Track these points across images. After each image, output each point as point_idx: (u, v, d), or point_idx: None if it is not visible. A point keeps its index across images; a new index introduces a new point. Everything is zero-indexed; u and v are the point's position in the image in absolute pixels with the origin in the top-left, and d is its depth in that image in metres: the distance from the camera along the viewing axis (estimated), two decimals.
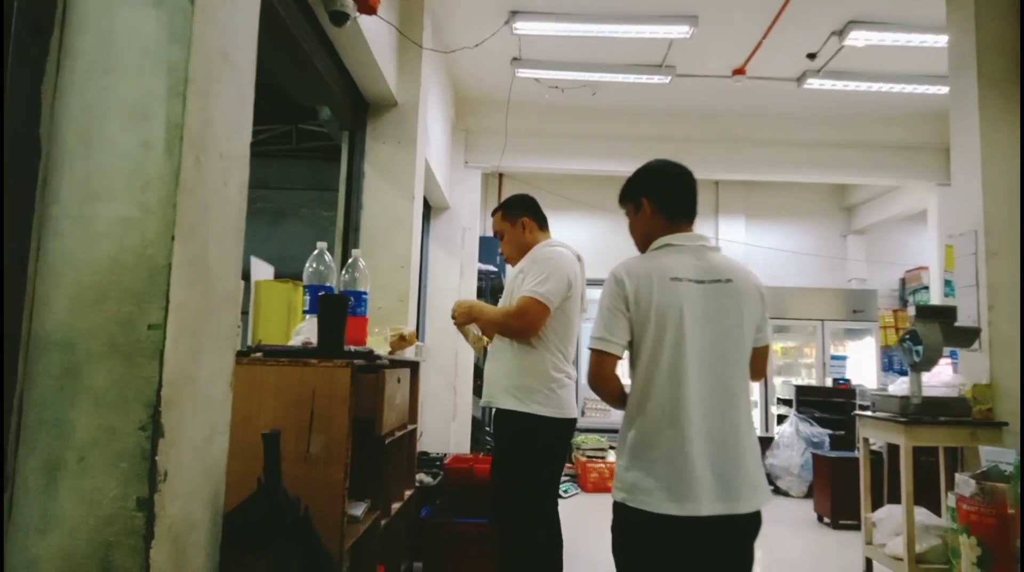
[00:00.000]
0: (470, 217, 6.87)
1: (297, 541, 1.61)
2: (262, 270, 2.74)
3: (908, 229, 8.89)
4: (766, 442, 6.72)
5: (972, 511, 2.83)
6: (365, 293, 2.69)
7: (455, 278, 6.56)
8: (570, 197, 8.57)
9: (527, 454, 2.60)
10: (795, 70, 5.84)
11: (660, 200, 1.89)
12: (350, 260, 2.72)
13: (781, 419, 7.16)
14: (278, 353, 2.12)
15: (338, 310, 2.17)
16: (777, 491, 6.42)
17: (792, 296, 8.37)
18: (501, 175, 8.41)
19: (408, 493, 3.07)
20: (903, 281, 8.97)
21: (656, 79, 5.98)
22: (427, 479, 3.74)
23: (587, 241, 8.62)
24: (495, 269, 6.78)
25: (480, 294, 6.62)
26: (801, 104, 6.61)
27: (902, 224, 8.74)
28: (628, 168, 6.71)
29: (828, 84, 5.81)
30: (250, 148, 1.69)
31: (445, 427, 6.28)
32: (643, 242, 1.93)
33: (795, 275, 8.87)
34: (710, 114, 7.01)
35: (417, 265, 4.43)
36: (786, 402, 6.86)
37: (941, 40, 4.77)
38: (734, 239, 9.01)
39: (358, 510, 2.26)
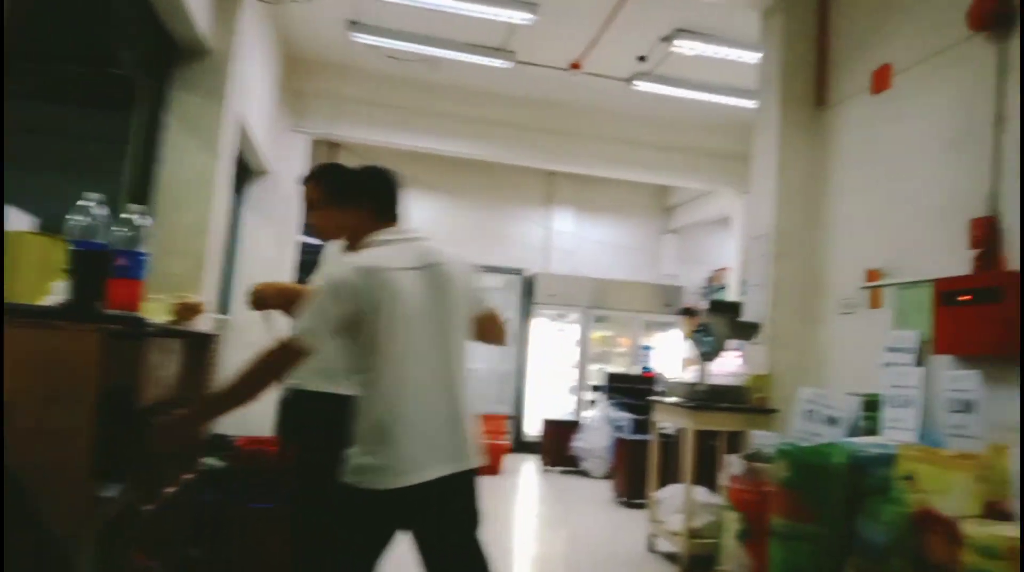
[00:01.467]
0: (293, 185, 6.50)
1: (16, 524, 1.38)
2: (20, 223, 2.38)
3: (717, 232, 9.67)
4: (577, 426, 7.03)
5: (738, 488, 3.10)
6: (143, 254, 2.40)
7: (271, 249, 6.18)
8: (408, 174, 8.40)
9: (335, 439, 2.46)
10: (627, 71, 6.09)
11: (378, 202, 2.03)
12: (127, 215, 2.42)
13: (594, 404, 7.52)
14: (18, 312, 1.81)
15: (94, 267, 1.90)
16: (582, 472, 6.76)
17: (613, 288, 8.82)
18: (336, 145, 8.05)
19: (188, 476, 2.81)
20: (709, 280, 9.76)
21: (497, 63, 5.98)
22: (216, 462, 3.47)
23: (425, 222, 8.53)
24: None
25: (303, 269, 6.29)
26: (632, 104, 6.92)
27: (712, 227, 9.49)
28: (468, 150, 6.68)
29: (655, 88, 6.13)
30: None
31: (251, 408, 5.91)
32: (351, 237, 2.05)
33: (617, 268, 9.34)
34: (548, 105, 7.15)
35: (223, 230, 4.09)
36: (599, 388, 7.21)
37: (755, 57, 5.17)
38: (564, 230, 9.32)
39: (109, 492, 2.00)
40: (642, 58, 5.77)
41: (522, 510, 5.82)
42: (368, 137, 6.97)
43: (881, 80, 3.86)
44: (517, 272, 8.60)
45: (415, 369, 1.82)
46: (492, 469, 6.61)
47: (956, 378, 2.88)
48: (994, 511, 2.46)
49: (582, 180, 9.17)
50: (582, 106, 7.16)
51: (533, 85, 6.67)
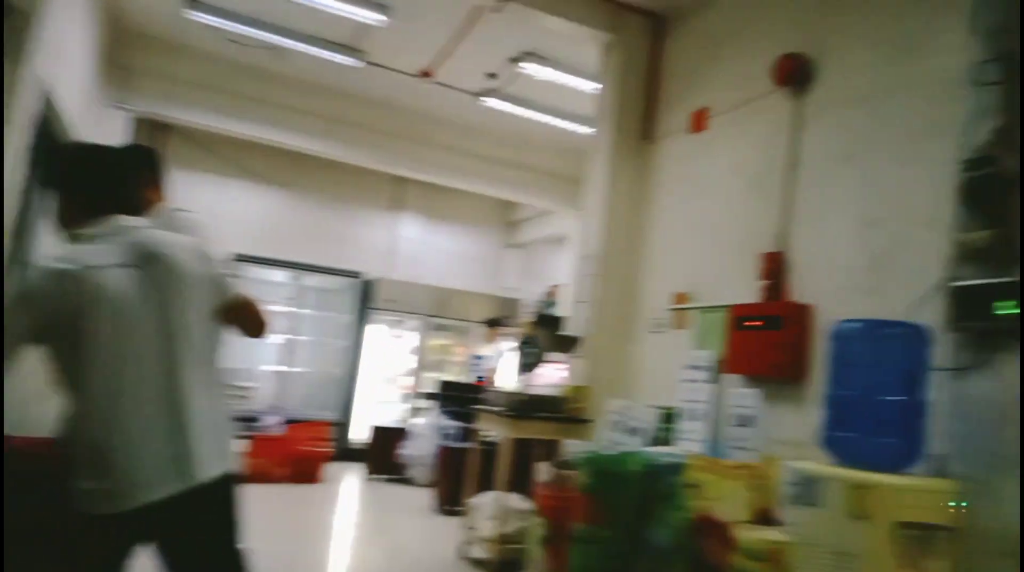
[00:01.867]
0: None
1: None
2: None
3: (556, 250, 10.03)
4: (405, 433, 6.97)
5: (545, 495, 3.21)
6: None
7: None
8: (245, 166, 7.97)
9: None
10: (477, 85, 6.19)
11: (91, 188, 1.77)
12: None
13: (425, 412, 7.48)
14: None
15: None
16: (407, 480, 6.71)
17: (454, 297, 8.87)
18: (167, 127, 7.44)
19: None
20: (547, 294, 10.10)
21: (346, 60, 5.84)
22: None
23: (258, 216, 8.12)
24: None
25: None
26: (481, 119, 7.04)
27: (551, 244, 9.85)
28: (313, 146, 6.39)
29: (502, 105, 6.27)
30: None
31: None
32: (69, 227, 1.78)
33: (460, 278, 9.41)
34: (399, 109, 7.09)
35: (14, 201, 3.63)
36: (431, 396, 7.20)
37: (595, 87, 5.45)
38: (411, 236, 9.26)
39: None
40: (492, 75, 5.90)
41: (339, 520, 5.66)
42: (202, 122, 6.53)
43: (699, 121, 4.21)
44: (355, 275, 8.40)
45: (130, 380, 1.62)
46: (311, 478, 6.39)
47: (739, 395, 3.18)
48: (763, 517, 2.73)
49: (431, 188, 9.16)
50: (432, 115, 7.17)
51: (384, 88, 6.59)
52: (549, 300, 9.60)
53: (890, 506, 1.90)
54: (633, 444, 3.48)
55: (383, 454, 6.91)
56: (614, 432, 3.55)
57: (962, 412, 2.17)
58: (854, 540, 1.91)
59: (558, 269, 9.90)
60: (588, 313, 4.46)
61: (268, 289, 7.91)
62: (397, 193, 9.15)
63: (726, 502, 2.75)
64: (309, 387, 8.19)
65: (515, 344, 4.37)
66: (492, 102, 6.26)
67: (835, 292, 3.09)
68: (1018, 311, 2.01)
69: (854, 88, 3.19)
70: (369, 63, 5.89)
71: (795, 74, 3.47)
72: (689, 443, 3.36)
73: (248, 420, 6.78)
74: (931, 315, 2.35)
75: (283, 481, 6.21)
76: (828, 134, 3.30)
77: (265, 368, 7.95)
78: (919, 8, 2.91)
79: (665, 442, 3.55)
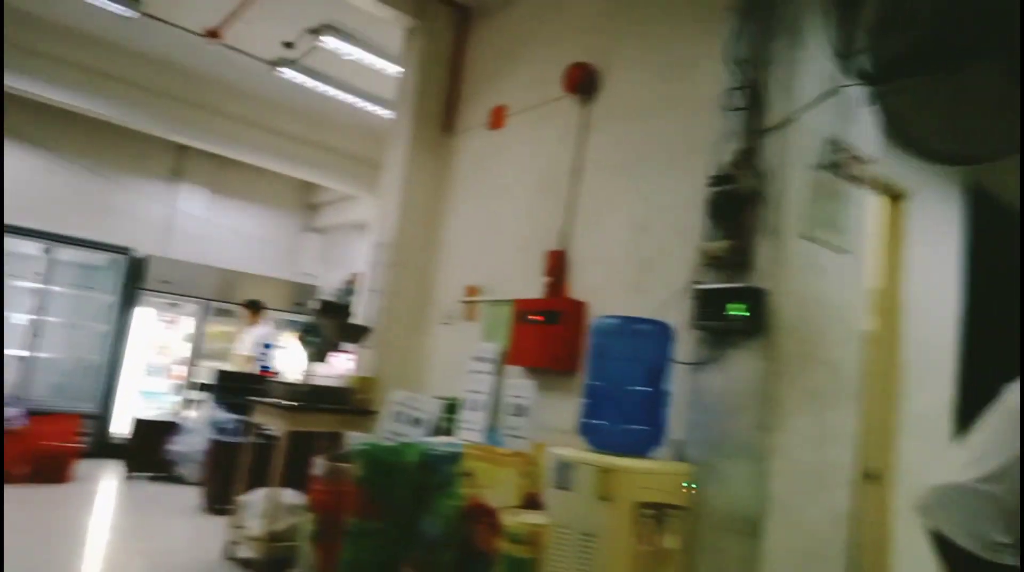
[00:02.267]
0: None
1: None
2: None
3: (358, 236, 9.80)
4: (174, 428, 6.39)
5: (318, 489, 3.09)
6: None
7: None
8: None
9: None
10: (272, 53, 5.82)
11: None
12: None
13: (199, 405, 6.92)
14: None
15: None
16: (176, 478, 6.17)
17: (242, 281, 8.29)
18: None
19: None
20: (347, 282, 9.82)
21: (120, 9, 5.19)
22: None
23: (11, 179, 6.96)
24: None
25: None
26: (277, 91, 6.64)
27: (354, 231, 9.60)
28: (78, 103, 5.61)
29: (300, 78, 5.96)
30: None
31: None
32: None
33: (252, 261, 8.83)
34: (182, 71, 6.47)
35: None
36: (206, 387, 6.66)
37: (397, 71, 5.36)
38: (193, 212, 8.50)
39: None
40: (288, 44, 5.58)
41: (92, 523, 5.04)
42: None
43: (497, 118, 4.30)
44: (123, 251, 7.50)
45: None
46: (58, 477, 5.64)
47: (515, 386, 3.30)
48: (532, 502, 2.85)
49: (219, 161, 8.48)
50: (221, 81, 6.63)
51: (164, 45, 5.97)
52: (348, 288, 9.35)
53: (631, 488, 2.07)
54: (415, 435, 3.48)
55: (146, 450, 6.28)
56: (396, 423, 3.52)
57: (698, 402, 2.42)
58: (599, 520, 2.06)
59: (359, 256, 9.68)
60: (380, 303, 4.38)
61: (14, 262, 6.83)
62: (178, 163, 8.35)
63: (498, 489, 2.84)
64: (60, 375, 7.20)
65: (297, 333, 4.17)
66: (288, 73, 5.92)
67: (608, 290, 3.31)
68: (745, 313, 2.28)
69: (630, 103, 3.43)
70: (145, 14, 5.29)
71: (583, 83, 3.65)
72: (469, 433, 3.42)
73: None
74: (679, 314, 2.60)
75: (24, 481, 5.42)
76: (608, 143, 3.52)
77: (6, 353, 6.86)
78: (687, 34, 3.19)
79: (448, 432, 3.59)
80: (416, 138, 4.57)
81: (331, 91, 6.19)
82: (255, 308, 7.26)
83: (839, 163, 2.55)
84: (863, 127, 2.67)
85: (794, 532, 2.28)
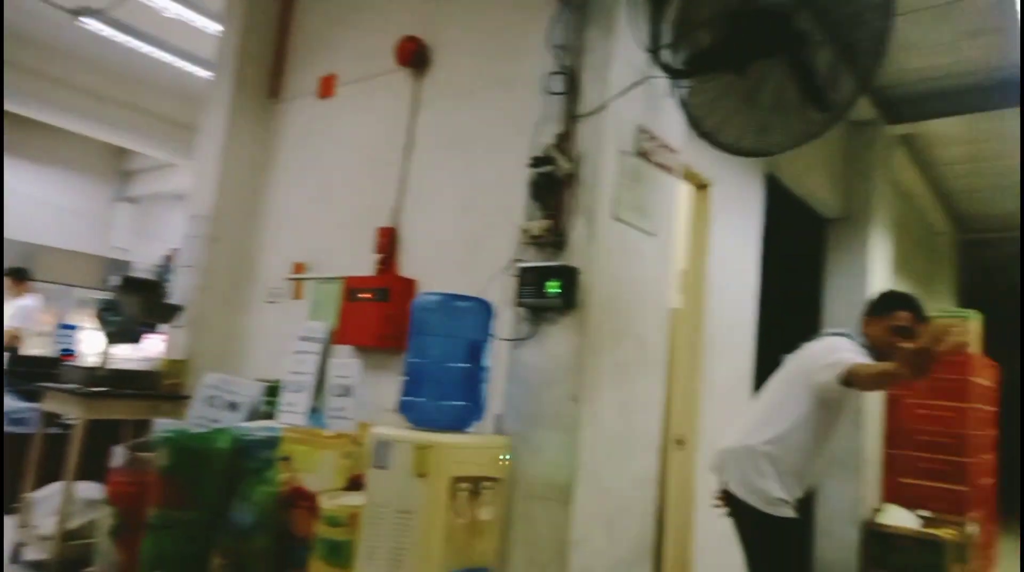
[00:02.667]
0: None
1: None
2: None
3: (179, 207, 9.08)
4: None
5: (118, 481, 2.85)
6: None
7: None
8: None
9: None
10: (73, 1, 5.18)
11: None
12: None
13: None
14: None
15: None
16: None
17: (41, 254, 7.42)
18: None
19: None
20: (167, 258, 9.08)
21: None
22: None
23: None
24: None
25: None
26: (81, 44, 5.93)
27: (174, 202, 8.88)
28: None
29: (106, 31, 5.37)
30: None
31: None
32: None
33: (56, 232, 7.91)
34: None
35: None
36: None
37: (210, 27, 4.97)
38: None
39: None
40: None
41: None
42: None
43: (327, 87, 4.12)
44: None
45: None
46: None
47: (340, 365, 3.22)
48: (356, 484, 2.80)
49: (13, 119, 7.47)
50: (13, 30, 5.81)
51: None
52: (167, 265, 8.66)
53: (447, 463, 2.10)
54: (232, 420, 3.29)
55: None
56: (210, 408, 3.31)
57: (516, 377, 2.49)
58: (415, 497, 2.06)
59: (180, 229, 8.98)
60: (195, 279, 4.08)
61: None
62: None
63: (319, 472, 2.76)
64: None
65: (95, 311, 3.79)
66: (93, 24, 5.30)
67: (437, 268, 3.31)
68: (560, 290, 2.37)
69: (460, 81, 3.42)
70: None
71: (414, 57, 3.58)
72: (290, 415, 3.29)
73: None
74: (504, 292, 2.65)
75: None
76: (438, 120, 3.50)
77: None
78: (514, 16, 3.22)
79: (268, 416, 3.44)
80: (238, 103, 4.27)
81: (144, 47, 5.63)
82: (19, 277, 6.50)
83: (648, 151, 2.71)
84: (671, 118, 2.86)
85: (602, 497, 2.42)
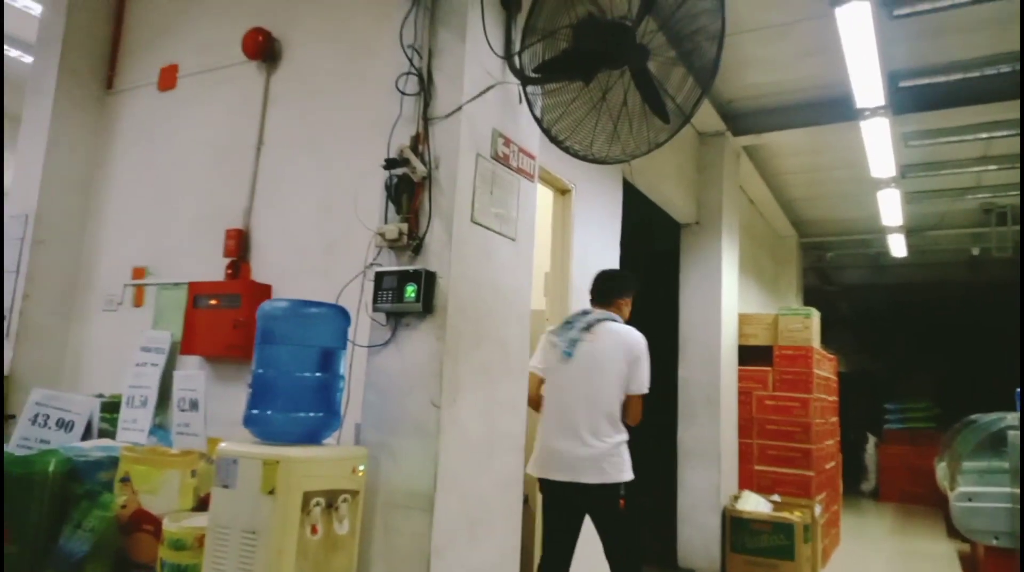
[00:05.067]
0: None
1: None
2: None
3: None
4: None
5: None
6: None
7: None
8: None
9: None
10: None
11: None
12: None
13: None
14: None
15: None
16: None
17: None
18: None
19: None
20: None
21: None
22: None
23: None
24: None
25: None
26: None
27: None
28: None
29: None
30: None
31: None
32: None
33: None
34: None
35: None
36: None
37: (33, 8, 4.50)
38: None
39: None
40: None
41: None
42: None
43: (168, 78, 3.85)
44: None
45: None
46: None
47: (185, 377, 3.01)
48: (205, 504, 2.62)
49: None
50: None
51: None
52: None
53: (298, 477, 2.01)
54: (63, 440, 2.99)
55: None
56: (36, 427, 2.99)
57: (375, 384, 2.44)
58: (263, 516, 1.96)
59: None
60: (19, 286, 3.67)
61: None
62: None
63: (163, 494, 2.58)
64: None
65: None
66: None
67: (293, 273, 3.18)
68: (418, 295, 2.34)
69: (314, 77, 3.31)
70: None
71: (263, 50, 3.43)
72: (131, 432, 3.05)
73: None
74: (362, 297, 2.58)
75: None
76: (291, 118, 3.36)
77: None
78: (370, 11, 3.15)
79: (108, 434, 3.16)
80: (65, 92, 3.89)
81: None
82: None
83: (505, 155, 2.73)
84: (529, 123, 2.90)
85: (464, 501, 2.41)
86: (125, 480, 2.58)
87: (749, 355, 5.99)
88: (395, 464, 2.36)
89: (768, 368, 5.88)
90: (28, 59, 5.32)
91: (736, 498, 5.46)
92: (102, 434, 3.18)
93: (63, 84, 3.87)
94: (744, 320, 6.12)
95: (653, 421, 5.55)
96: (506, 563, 2.64)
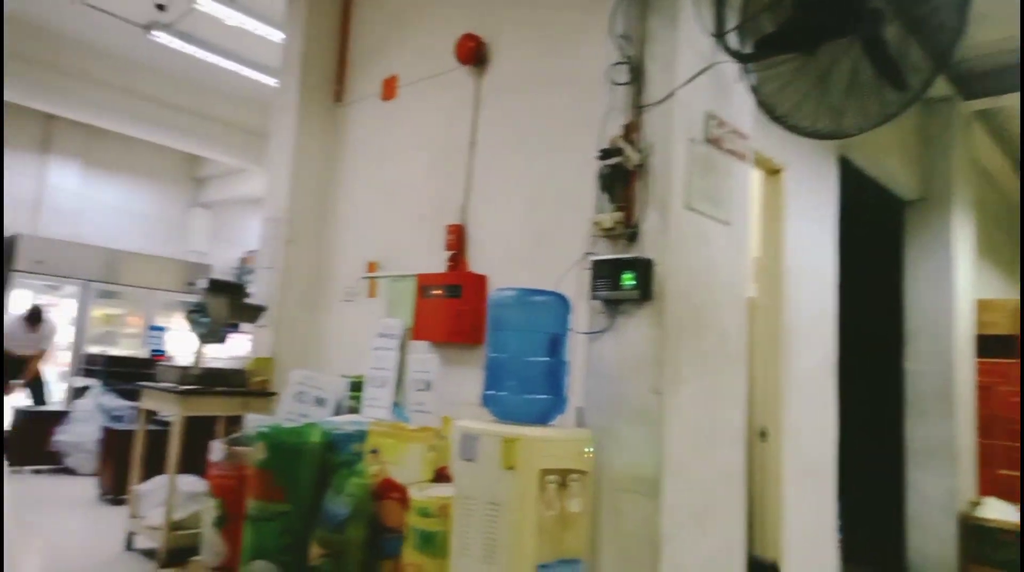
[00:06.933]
0: None
1: None
2: None
3: (252, 211, 9.42)
4: (62, 417, 6.01)
5: (218, 474, 3.01)
6: None
7: None
8: None
9: None
10: (144, 16, 5.43)
11: None
12: None
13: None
14: None
15: None
16: (67, 470, 5.83)
17: (126, 260, 7.83)
18: None
19: None
20: (242, 260, 9.45)
21: None
22: None
23: None
24: None
25: None
26: (152, 57, 6.22)
27: (247, 206, 9.21)
28: None
29: (176, 43, 5.61)
30: None
31: None
32: None
33: (135, 238, 8.32)
34: (47, 34, 5.93)
35: None
36: (93, 373, 6.30)
37: (272, 35, 5.12)
38: (65, 186, 7.89)
39: None
40: (160, 6, 5.22)
41: None
42: None
43: (389, 89, 4.21)
44: None
45: None
46: None
47: (420, 361, 3.31)
48: (442, 476, 2.89)
49: (91, 131, 7.87)
50: (89, 44, 6.14)
51: (23, 5, 5.44)
52: (245, 267, 9.01)
53: (534, 456, 2.14)
54: (319, 415, 3.43)
55: (32, 442, 5.88)
56: (299, 404, 3.46)
57: (595, 370, 2.52)
58: (504, 489, 2.12)
59: (254, 233, 9.32)
60: (275, 280, 4.25)
61: None
62: (45, 134, 7.70)
63: (406, 465, 2.86)
64: None
65: (185, 313, 3.98)
66: (163, 37, 5.55)
67: (506, 264, 3.36)
68: (635, 282, 2.38)
69: (519, 77, 3.45)
70: None
71: (474, 55, 3.63)
72: (375, 410, 3.41)
73: None
74: (576, 286, 2.68)
75: None
76: (500, 117, 3.53)
77: None
78: (574, 8, 3.22)
79: (354, 411, 3.57)
80: (304, 108, 4.42)
81: (211, 57, 5.86)
82: (33, 320, 6.59)
83: (718, 138, 2.68)
84: (739, 104, 2.82)
85: (689, 490, 2.42)
86: (374, 452, 2.90)
87: (989, 346, 5.31)
88: (618, 448, 2.42)
89: (1013, 360, 5.18)
90: (270, 81, 6.10)
91: (976, 504, 4.89)
92: (347, 410, 3.60)
93: (302, 101, 4.40)
94: (982, 306, 5.44)
95: (874, 416, 5.14)
96: (733, 557, 2.61)
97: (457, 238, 3.60)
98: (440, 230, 3.66)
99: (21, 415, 6.12)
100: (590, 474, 2.33)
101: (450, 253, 3.62)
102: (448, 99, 3.83)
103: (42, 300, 7.29)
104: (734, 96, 2.79)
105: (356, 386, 3.61)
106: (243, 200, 8.78)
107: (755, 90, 2.57)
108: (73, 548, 4.06)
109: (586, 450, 2.32)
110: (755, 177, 3.72)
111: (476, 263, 3.52)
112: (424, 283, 3.61)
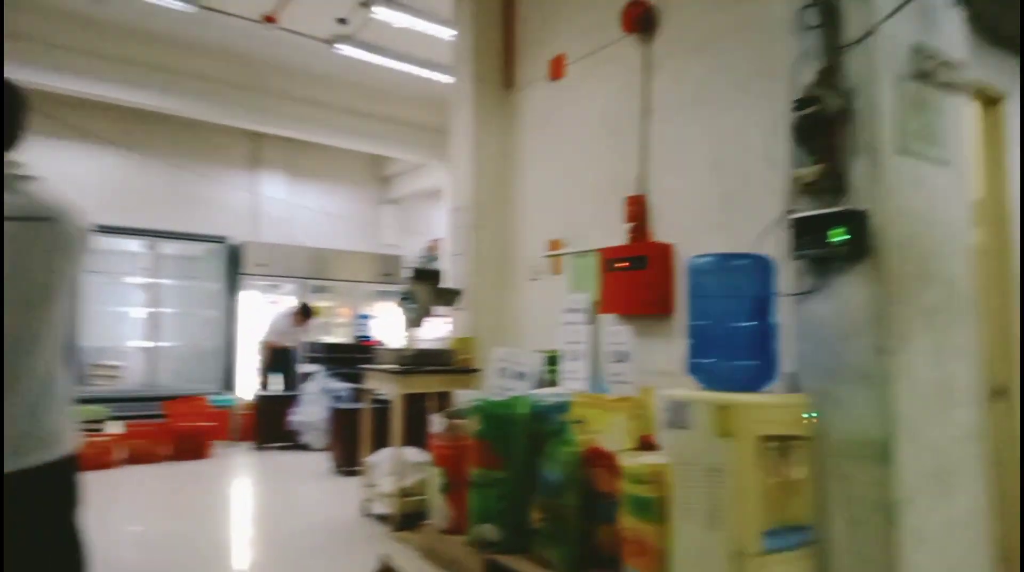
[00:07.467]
0: None
1: None
2: None
3: (432, 203, 9.97)
4: (293, 400, 6.83)
5: (440, 445, 3.29)
6: None
7: None
8: (72, 124, 7.21)
9: None
10: (327, 31, 5.92)
11: None
12: None
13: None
14: None
15: None
16: (302, 446, 6.64)
17: (331, 257, 8.66)
18: None
19: None
20: (428, 249, 10.06)
21: (177, 4, 5.37)
22: None
23: (100, 180, 7.39)
24: None
25: None
26: (337, 69, 6.76)
27: (428, 198, 9.76)
28: (149, 100, 5.86)
29: (357, 53, 6.05)
30: None
31: None
32: None
33: (336, 237, 9.16)
34: (246, 59, 6.67)
35: None
36: (316, 359, 7.08)
37: (452, 34, 5.34)
38: (275, 196, 8.86)
39: None
40: (342, 20, 5.66)
41: (236, 491, 5.54)
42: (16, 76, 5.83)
43: (557, 68, 4.26)
44: (220, 240, 7.95)
45: None
46: (198, 453, 6.20)
47: (614, 333, 3.37)
48: (645, 444, 2.94)
49: (291, 144, 8.75)
50: (283, 64, 6.80)
51: (224, 35, 6.16)
52: (431, 255, 9.58)
53: (751, 422, 2.12)
54: (521, 388, 3.62)
55: (272, 423, 6.77)
56: (502, 378, 3.67)
57: (807, 332, 2.42)
58: (722, 456, 2.12)
59: (436, 223, 9.88)
60: (466, 265, 4.51)
61: (121, 260, 7.37)
62: (254, 150, 8.67)
63: (610, 433, 2.95)
64: (181, 361, 7.78)
65: (396, 301, 4.35)
66: (346, 49, 6.02)
67: (691, 231, 3.29)
68: (848, 237, 2.25)
69: (692, 35, 3.35)
70: (203, 7, 5.46)
71: (641, 21, 3.57)
72: (573, 382, 3.53)
73: (121, 400, 6.47)
74: (774, 246, 2.57)
75: (167, 459, 6.00)
76: (674, 80, 3.45)
77: (131, 345, 7.47)
78: None
79: (551, 383, 3.72)
80: (479, 99, 4.59)
81: (390, 62, 6.26)
82: (304, 314, 7.55)
83: (928, 71, 2.43)
84: (949, 31, 2.53)
85: (923, 453, 2.27)
86: (580, 422, 3.02)
87: None
88: (840, 412, 2.31)
89: None
90: (442, 78, 6.40)
91: None
92: (546, 384, 3.75)
93: (477, 92, 4.58)
94: None
95: None
96: (974, 524, 2.42)
97: (637, 209, 3.59)
98: (619, 203, 3.67)
99: (261, 400, 7.04)
100: (811, 439, 2.26)
101: (631, 225, 3.62)
102: (617, 70, 3.81)
103: (268, 299, 8.30)
104: (942, 23, 2.51)
105: (551, 360, 3.75)
106: (425, 193, 9.34)
107: (972, 12, 2.30)
108: (320, 514, 4.64)
109: (805, 415, 2.25)
110: (970, 111, 3.33)
111: (659, 232, 3.50)
112: (607, 257, 3.64)
